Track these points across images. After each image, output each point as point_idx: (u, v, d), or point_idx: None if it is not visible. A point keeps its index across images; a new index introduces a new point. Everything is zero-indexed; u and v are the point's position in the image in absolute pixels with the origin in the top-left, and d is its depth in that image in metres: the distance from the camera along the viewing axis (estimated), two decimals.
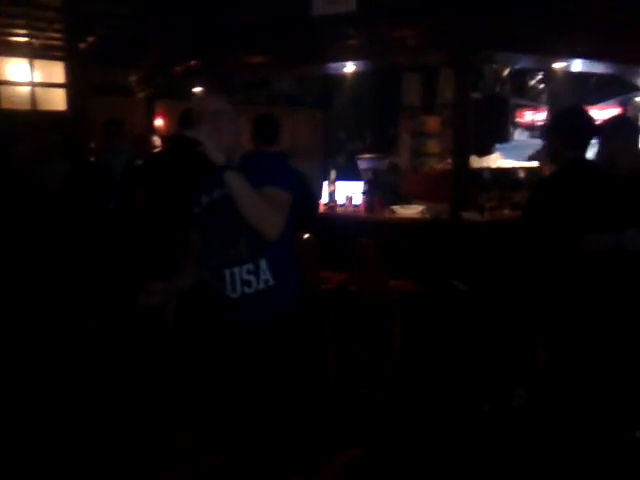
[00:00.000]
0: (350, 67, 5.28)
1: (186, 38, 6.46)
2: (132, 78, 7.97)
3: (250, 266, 2.02)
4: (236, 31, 5.66)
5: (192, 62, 6.33)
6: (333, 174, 5.17)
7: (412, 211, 4.60)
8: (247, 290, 2.03)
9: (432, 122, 6.97)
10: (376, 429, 3.40)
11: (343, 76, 6.06)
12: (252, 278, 2.03)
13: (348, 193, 5.13)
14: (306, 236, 3.93)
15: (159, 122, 7.75)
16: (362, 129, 7.95)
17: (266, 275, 2.03)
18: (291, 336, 2.14)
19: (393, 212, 4.66)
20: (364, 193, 4.98)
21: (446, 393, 3.75)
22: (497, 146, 6.29)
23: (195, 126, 1.97)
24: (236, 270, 2.02)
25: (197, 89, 6.32)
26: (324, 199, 5.16)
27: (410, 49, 4.67)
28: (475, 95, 5.94)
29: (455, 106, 4.72)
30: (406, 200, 4.99)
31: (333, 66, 5.38)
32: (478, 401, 3.59)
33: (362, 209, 4.90)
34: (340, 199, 5.13)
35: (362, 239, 3.82)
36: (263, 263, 2.03)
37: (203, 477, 2.52)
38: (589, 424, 2.57)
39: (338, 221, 4.88)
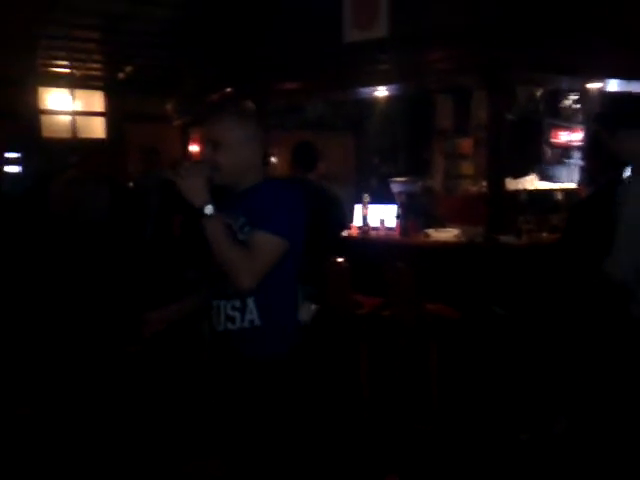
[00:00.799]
0: (382, 91, 5.32)
1: (221, 66, 6.61)
2: (168, 106, 8.17)
3: (236, 302, 1.94)
4: (269, 58, 5.77)
5: (227, 89, 6.45)
6: (366, 198, 5.16)
7: (447, 234, 4.56)
8: (230, 326, 1.95)
9: (465, 144, 6.94)
10: (412, 457, 3.33)
11: (375, 100, 6.10)
12: (237, 315, 1.94)
13: (381, 216, 5.11)
14: (339, 260, 3.92)
15: (194, 148, 7.90)
16: (395, 152, 7.96)
17: (252, 315, 1.93)
18: (279, 377, 1.97)
19: (427, 235, 4.62)
20: (398, 216, 4.96)
21: (483, 421, 3.66)
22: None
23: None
24: (222, 303, 1.96)
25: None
26: (357, 222, 5.16)
27: (442, 72, 4.69)
28: (509, 116, 5.90)
29: (489, 127, 4.69)
30: (440, 223, 4.95)
31: (365, 91, 5.43)
32: (517, 430, 3.50)
33: (396, 232, 4.87)
34: (373, 222, 5.11)
35: (396, 263, 3.79)
36: (251, 302, 1.92)
37: None
38: (626, 451, 2.47)
39: (372, 245, 4.86)
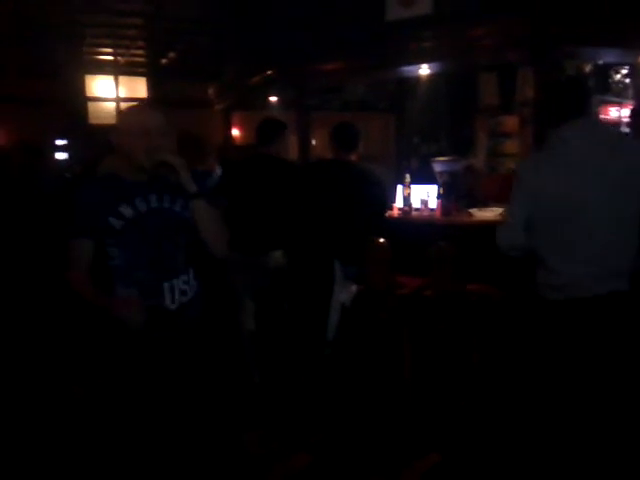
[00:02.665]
0: (425, 69, 5.23)
1: (262, 49, 6.62)
2: (210, 91, 8.23)
3: (185, 276, 2.14)
4: (310, 39, 5.74)
5: (268, 72, 6.46)
6: (408, 178, 5.12)
7: (490, 214, 4.48)
8: (183, 299, 2.13)
9: (510, 122, 6.78)
10: (454, 435, 3.32)
11: (416, 79, 6.02)
12: (187, 287, 2.15)
13: (423, 197, 5.06)
14: (381, 241, 3.91)
15: (236, 132, 7.95)
16: (436, 132, 7.85)
17: (194, 283, 2.19)
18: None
19: (470, 215, 4.55)
20: (440, 196, 4.90)
21: (525, 400, 3.61)
22: None
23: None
24: (175, 282, 2.11)
25: (273, 98, 6.44)
26: (399, 203, 5.12)
27: (487, 48, 4.58)
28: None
29: (536, 105, 4.57)
30: (483, 203, 4.87)
31: (408, 69, 5.35)
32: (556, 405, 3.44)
33: (438, 213, 4.81)
34: (415, 203, 5.07)
35: (439, 243, 3.75)
36: (191, 272, 2.18)
37: None
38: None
39: (413, 225, 4.81)
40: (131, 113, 2.19)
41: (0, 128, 7.71)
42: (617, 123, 7.31)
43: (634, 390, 2.46)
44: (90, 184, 2.15)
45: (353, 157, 3.80)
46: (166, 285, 2.09)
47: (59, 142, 9.08)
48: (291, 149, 6.61)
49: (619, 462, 2.44)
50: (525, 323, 3.70)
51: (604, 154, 2.31)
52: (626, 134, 6.14)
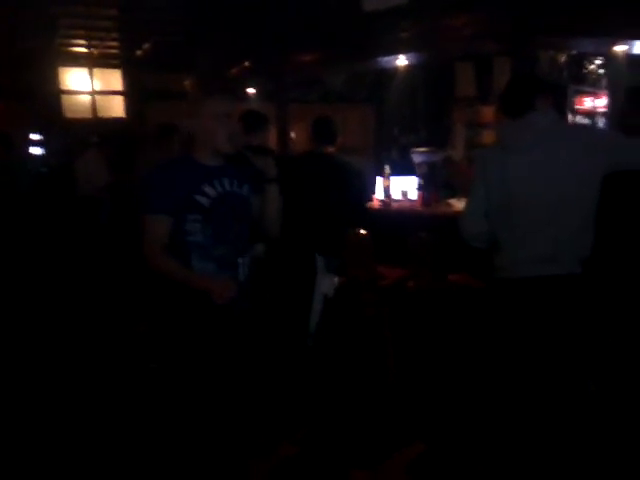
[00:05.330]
0: (403, 60, 5.24)
1: (237, 40, 6.57)
2: (186, 82, 8.14)
3: (248, 254, 2.30)
4: (287, 30, 5.71)
5: (245, 64, 6.42)
6: (387, 169, 5.13)
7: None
8: (246, 275, 2.26)
9: (487, 112, 6.81)
10: (438, 424, 3.36)
11: (394, 70, 6.01)
12: (250, 263, 2.29)
13: (403, 188, 5.08)
14: (361, 232, 3.92)
15: None
16: (415, 123, 7.87)
17: (249, 262, 2.31)
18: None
19: (449, 206, 4.58)
20: (419, 188, 4.92)
21: (512, 389, 3.66)
22: None
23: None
24: (245, 259, 2.25)
25: (251, 90, 6.40)
26: (379, 195, 5.14)
27: (464, 38, 4.60)
28: None
29: None
30: (462, 193, 4.90)
31: (385, 60, 5.35)
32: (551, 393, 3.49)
33: (418, 204, 4.84)
34: (395, 194, 5.09)
35: (419, 234, 3.77)
36: (251, 252, 2.36)
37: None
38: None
39: (393, 216, 4.84)
40: (212, 100, 2.22)
41: None
42: (592, 113, 7.41)
43: (574, 368, 2.56)
44: (166, 164, 2.25)
45: (332, 149, 3.83)
46: (240, 260, 2.22)
47: (34, 136, 8.92)
48: (270, 141, 6.59)
49: (571, 437, 2.52)
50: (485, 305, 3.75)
51: (557, 145, 2.39)
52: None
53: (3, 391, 3.49)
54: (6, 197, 4.35)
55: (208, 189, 2.16)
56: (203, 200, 2.14)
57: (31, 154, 8.53)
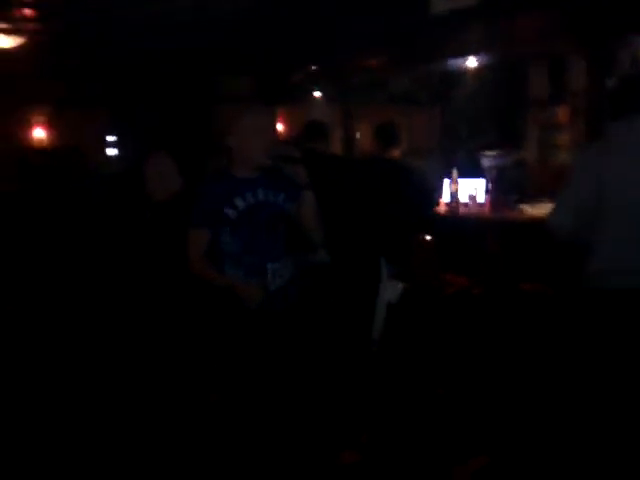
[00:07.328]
0: (472, 61, 5.11)
1: (303, 44, 6.58)
2: (249, 85, 8.22)
3: (282, 261, 2.38)
4: (353, 33, 5.67)
5: (311, 67, 6.43)
6: (455, 173, 5.01)
7: (542, 210, 4.34)
8: (280, 282, 2.36)
9: (562, 113, 6.54)
10: (502, 438, 3.25)
11: (462, 71, 5.87)
12: (284, 271, 2.38)
13: (471, 192, 4.95)
14: (427, 238, 3.85)
15: (279, 127, 7.94)
16: (484, 124, 7.65)
17: (289, 268, 2.41)
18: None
19: (521, 211, 4.42)
20: (488, 191, 4.79)
21: (579, 395, 3.49)
22: None
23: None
24: (276, 265, 2.34)
25: (317, 94, 6.41)
26: (445, 198, 5.03)
27: (537, 38, 4.43)
28: (609, 82, 5.51)
29: (588, 94, 4.41)
30: (534, 198, 4.72)
31: (454, 62, 5.23)
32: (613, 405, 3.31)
33: (486, 208, 4.70)
34: (462, 197, 4.96)
35: (488, 242, 3.67)
36: (289, 259, 2.42)
37: None
38: None
39: (461, 222, 4.71)
40: (250, 116, 2.34)
41: (53, 130, 7.89)
42: None
43: None
44: (208, 181, 2.41)
45: (396, 153, 3.82)
46: (269, 267, 2.33)
47: (109, 138, 9.25)
48: (335, 143, 6.57)
49: None
50: (573, 316, 3.59)
51: None
52: None
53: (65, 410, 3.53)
54: (80, 209, 4.53)
55: (238, 201, 2.30)
56: (231, 212, 2.30)
57: (106, 156, 8.86)
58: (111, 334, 4.28)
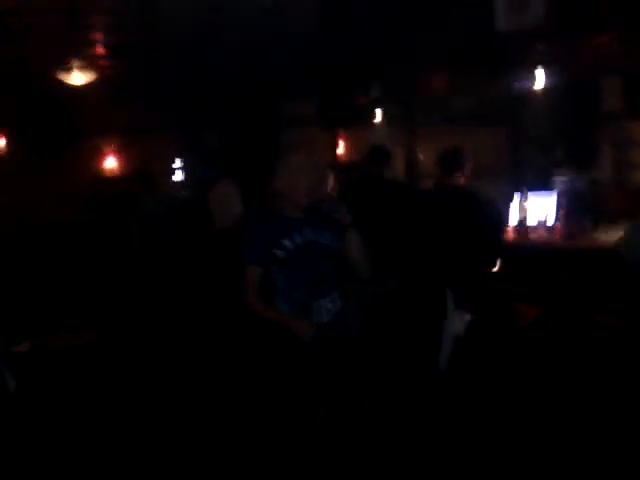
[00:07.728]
0: (540, 80, 4.92)
1: (366, 64, 6.53)
2: (312, 109, 8.23)
3: (330, 297, 2.49)
4: (417, 53, 5.59)
5: (374, 89, 6.39)
6: (523, 197, 4.82)
7: (618, 236, 4.10)
8: (328, 317, 2.46)
9: (638, 128, 6.22)
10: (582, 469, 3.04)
11: (529, 89, 5.68)
12: (332, 306, 2.49)
13: (539, 214, 4.73)
14: (496, 268, 3.70)
15: (340, 151, 7.93)
16: (554, 144, 7.35)
17: (338, 302, 2.51)
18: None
19: (594, 239, 4.18)
20: (558, 218, 4.55)
21: None
22: None
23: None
24: (322, 301, 2.45)
25: (378, 118, 6.35)
26: (513, 222, 4.83)
27: (608, 56, 4.22)
28: None
29: None
30: (610, 221, 4.46)
31: (521, 81, 5.06)
32: None
33: (557, 235, 4.48)
34: (531, 220, 4.75)
35: (561, 273, 3.49)
36: (336, 294, 2.52)
37: None
38: None
39: (530, 249, 4.50)
40: (293, 156, 2.51)
41: (122, 157, 8.15)
42: None
43: None
44: (260, 223, 2.56)
45: (462, 180, 3.68)
46: (314, 304, 2.44)
47: (176, 165, 9.49)
48: (397, 163, 6.47)
49: None
50: None
51: None
52: None
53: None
54: (146, 238, 4.64)
55: (287, 242, 2.41)
56: (279, 253, 2.41)
57: (172, 182, 9.08)
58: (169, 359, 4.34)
